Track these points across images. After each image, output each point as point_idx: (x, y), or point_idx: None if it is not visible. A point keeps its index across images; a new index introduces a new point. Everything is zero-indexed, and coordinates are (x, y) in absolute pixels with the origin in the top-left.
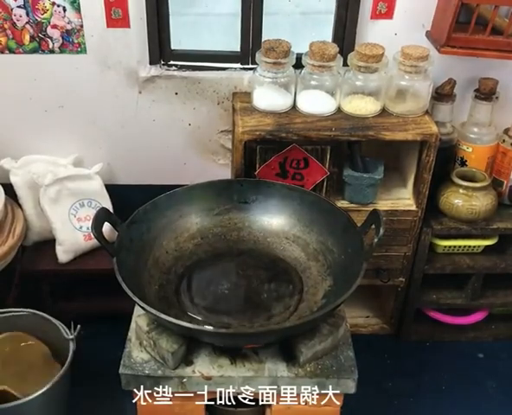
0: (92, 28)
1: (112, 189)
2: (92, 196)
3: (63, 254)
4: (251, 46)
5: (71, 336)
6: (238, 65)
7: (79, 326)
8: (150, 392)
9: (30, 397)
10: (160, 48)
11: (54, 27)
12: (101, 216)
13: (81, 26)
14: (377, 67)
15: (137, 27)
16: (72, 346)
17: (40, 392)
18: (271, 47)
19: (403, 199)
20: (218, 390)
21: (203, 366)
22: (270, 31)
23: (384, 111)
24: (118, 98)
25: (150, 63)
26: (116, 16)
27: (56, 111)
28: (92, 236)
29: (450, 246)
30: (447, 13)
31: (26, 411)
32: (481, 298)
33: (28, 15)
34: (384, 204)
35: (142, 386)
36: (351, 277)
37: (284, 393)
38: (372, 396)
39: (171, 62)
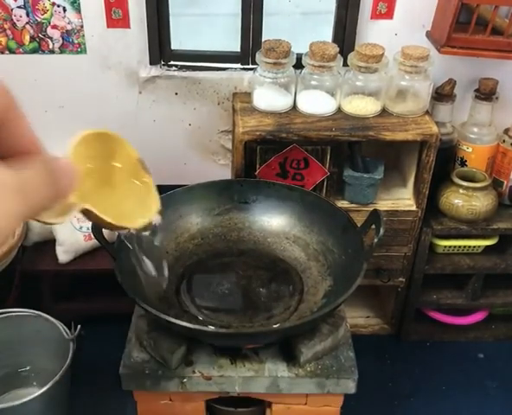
0: (93, 28)
1: None
2: None
3: (63, 254)
4: (251, 46)
5: (71, 336)
6: (238, 65)
7: (79, 326)
8: (150, 392)
9: (30, 397)
10: (160, 49)
11: (55, 27)
12: None
13: (81, 26)
14: (377, 68)
15: (137, 27)
16: (72, 346)
17: (40, 392)
18: (271, 47)
19: (403, 199)
20: (218, 390)
21: (203, 366)
22: (270, 31)
23: (384, 112)
24: (119, 99)
25: (151, 63)
26: (116, 17)
27: (56, 111)
28: (93, 236)
29: (450, 246)
30: (447, 13)
31: (26, 411)
32: (481, 298)
33: (28, 15)
34: (384, 204)
35: (142, 387)
36: (351, 277)
37: (285, 393)
38: (372, 396)
39: (171, 62)
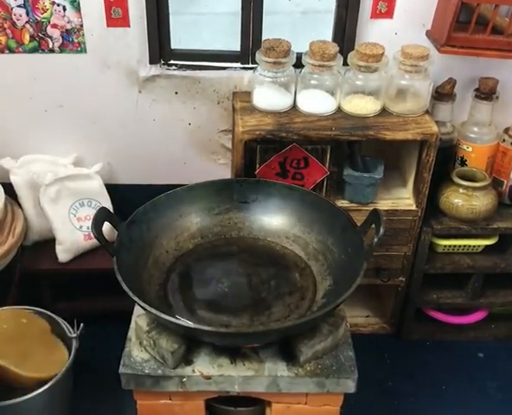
0: (92, 27)
1: (112, 189)
2: (92, 196)
3: (63, 254)
4: (251, 45)
5: (74, 334)
6: (238, 64)
7: (82, 324)
8: (150, 391)
9: (32, 394)
10: (160, 48)
11: (54, 26)
12: (101, 216)
13: (81, 25)
14: (377, 67)
15: (137, 26)
16: (75, 344)
17: (41, 389)
18: (271, 46)
19: (403, 198)
20: (218, 389)
21: (203, 365)
22: (270, 30)
23: (384, 111)
24: (118, 98)
25: (150, 62)
26: (116, 16)
27: (56, 110)
28: (92, 236)
29: (450, 246)
30: (447, 12)
31: (29, 408)
32: (481, 298)
33: (27, 14)
34: (384, 204)
35: (142, 386)
36: (351, 276)
37: (284, 393)
38: (372, 396)
39: (171, 62)
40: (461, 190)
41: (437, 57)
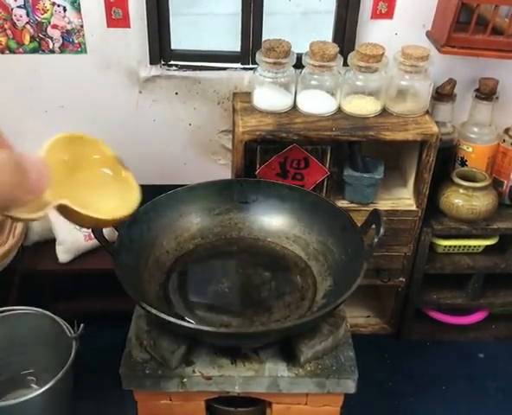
0: (93, 28)
1: None
2: None
3: (63, 254)
4: (251, 46)
5: (74, 335)
6: (238, 65)
7: (82, 325)
8: (150, 391)
9: (32, 395)
10: (160, 48)
11: (55, 27)
12: None
13: (81, 26)
14: (377, 67)
15: (137, 27)
16: (75, 345)
17: (41, 390)
18: (271, 46)
19: (403, 199)
20: (218, 390)
21: (203, 365)
22: (270, 31)
23: (384, 111)
24: (119, 98)
25: (151, 63)
26: (116, 16)
27: (56, 111)
28: (93, 236)
29: (450, 246)
30: (447, 13)
31: (29, 408)
32: (481, 298)
33: (28, 15)
34: (384, 204)
35: (142, 386)
36: (351, 277)
37: (285, 393)
38: (372, 396)
39: (171, 62)
40: (461, 190)
41: (437, 57)
